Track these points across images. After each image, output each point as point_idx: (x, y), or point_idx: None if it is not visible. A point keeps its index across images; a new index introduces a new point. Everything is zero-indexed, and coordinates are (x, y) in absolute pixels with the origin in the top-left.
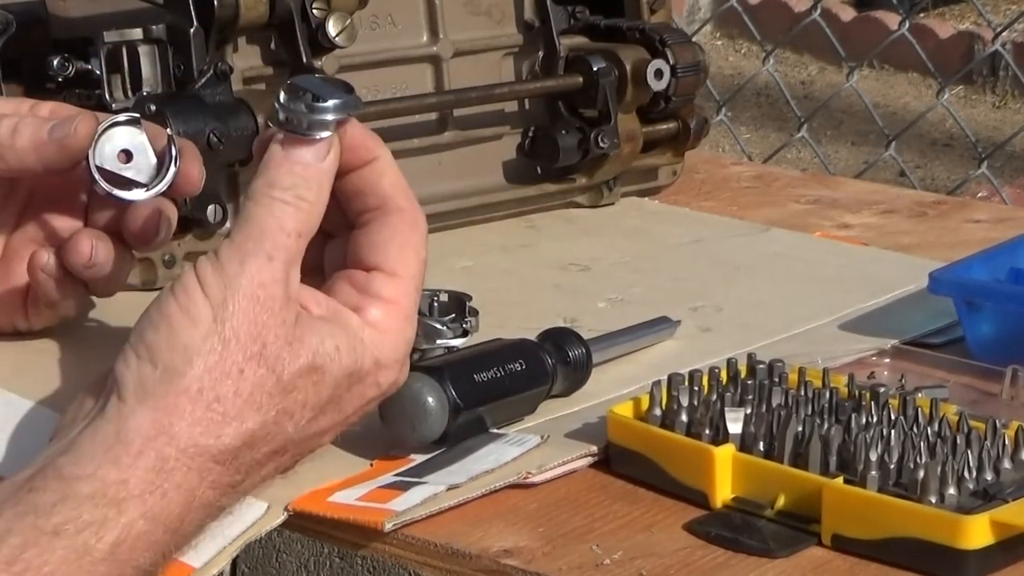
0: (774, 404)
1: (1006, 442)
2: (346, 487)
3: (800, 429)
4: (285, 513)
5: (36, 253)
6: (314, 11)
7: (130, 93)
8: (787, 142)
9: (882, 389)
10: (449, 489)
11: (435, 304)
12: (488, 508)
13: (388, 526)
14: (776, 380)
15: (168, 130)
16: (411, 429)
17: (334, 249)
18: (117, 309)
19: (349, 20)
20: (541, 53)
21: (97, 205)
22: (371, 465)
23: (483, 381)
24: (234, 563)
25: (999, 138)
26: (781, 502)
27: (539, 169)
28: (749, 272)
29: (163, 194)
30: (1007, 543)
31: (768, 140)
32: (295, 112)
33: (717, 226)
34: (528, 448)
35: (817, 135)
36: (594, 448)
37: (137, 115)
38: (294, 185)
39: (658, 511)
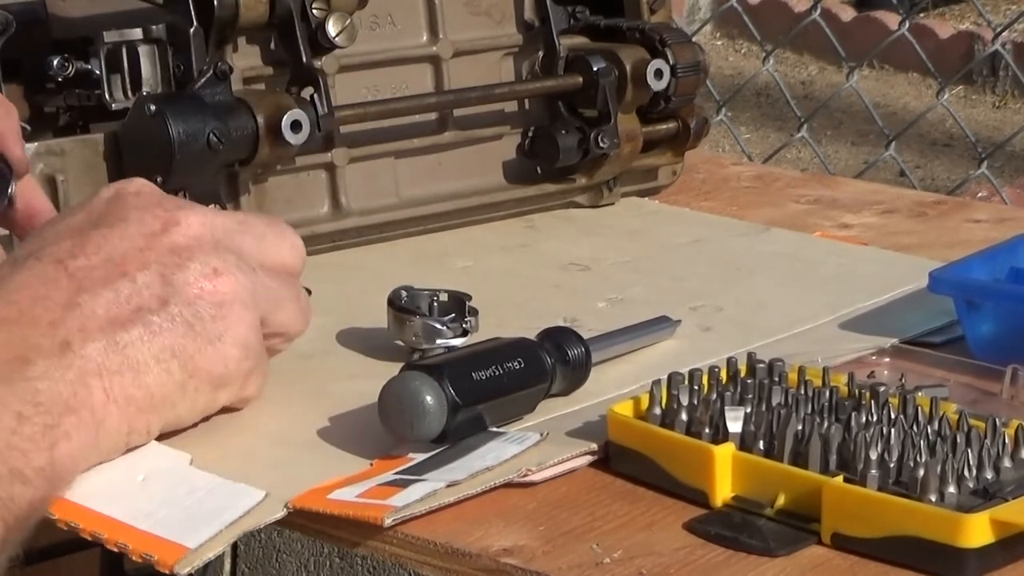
0: (774, 403)
1: (1006, 441)
2: (346, 485)
3: (800, 428)
4: (284, 510)
5: None
6: (314, 11)
7: (130, 93)
8: (787, 142)
9: (882, 388)
10: (449, 486)
11: (435, 304)
12: (488, 507)
13: (388, 521)
14: (776, 379)
15: None
16: (409, 428)
17: None
18: None
19: (349, 20)
20: (541, 53)
21: None
22: (371, 465)
23: (482, 379)
24: (234, 563)
25: (999, 138)
26: (781, 501)
27: (539, 169)
28: (749, 272)
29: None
30: (1007, 541)
31: (768, 140)
32: None
33: (717, 226)
34: (528, 446)
35: (817, 135)
36: (594, 446)
37: None
38: None
39: (658, 510)
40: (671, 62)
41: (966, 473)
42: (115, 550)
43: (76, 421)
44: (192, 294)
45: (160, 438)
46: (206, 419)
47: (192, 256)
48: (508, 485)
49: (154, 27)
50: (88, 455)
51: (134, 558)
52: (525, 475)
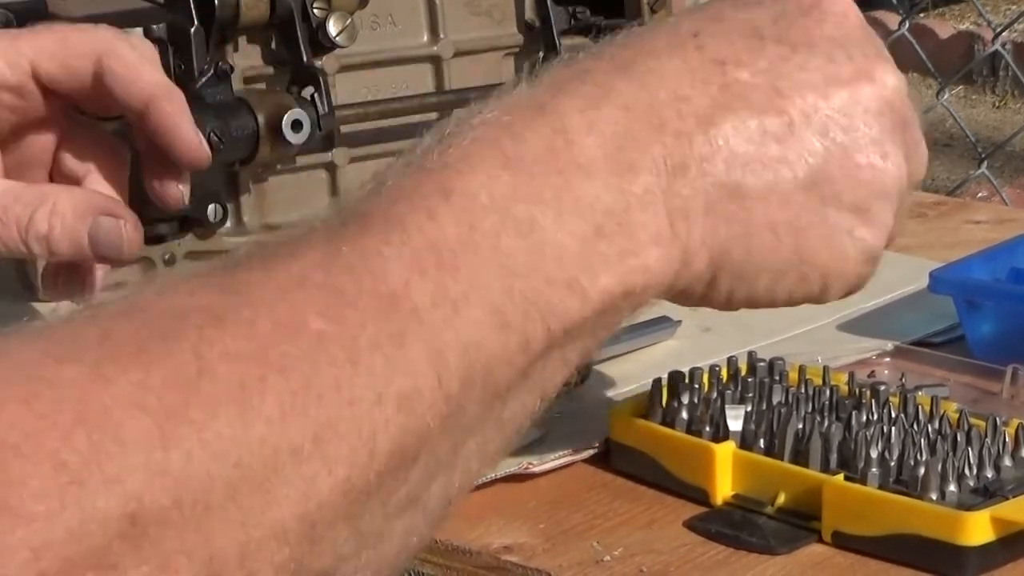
0: (774, 402)
1: (1006, 439)
2: None
3: (800, 426)
4: None
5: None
6: (315, 11)
7: None
8: None
9: (882, 387)
10: None
11: None
12: (488, 505)
13: None
14: (777, 378)
15: None
16: None
17: None
18: None
19: (350, 20)
20: (542, 53)
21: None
22: None
23: None
24: None
25: (999, 138)
26: (781, 499)
27: None
28: None
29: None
30: (1007, 540)
31: None
32: None
33: None
34: (528, 442)
35: None
36: (595, 442)
37: None
38: None
39: (659, 508)
40: None
41: (967, 472)
42: None
43: (662, 257)
44: (846, 173)
45: None
46: None
47: (867, 125)
48: (509, 479)
49: (155, 26)
50: (657, 295)
51: None
52: (526, 468)
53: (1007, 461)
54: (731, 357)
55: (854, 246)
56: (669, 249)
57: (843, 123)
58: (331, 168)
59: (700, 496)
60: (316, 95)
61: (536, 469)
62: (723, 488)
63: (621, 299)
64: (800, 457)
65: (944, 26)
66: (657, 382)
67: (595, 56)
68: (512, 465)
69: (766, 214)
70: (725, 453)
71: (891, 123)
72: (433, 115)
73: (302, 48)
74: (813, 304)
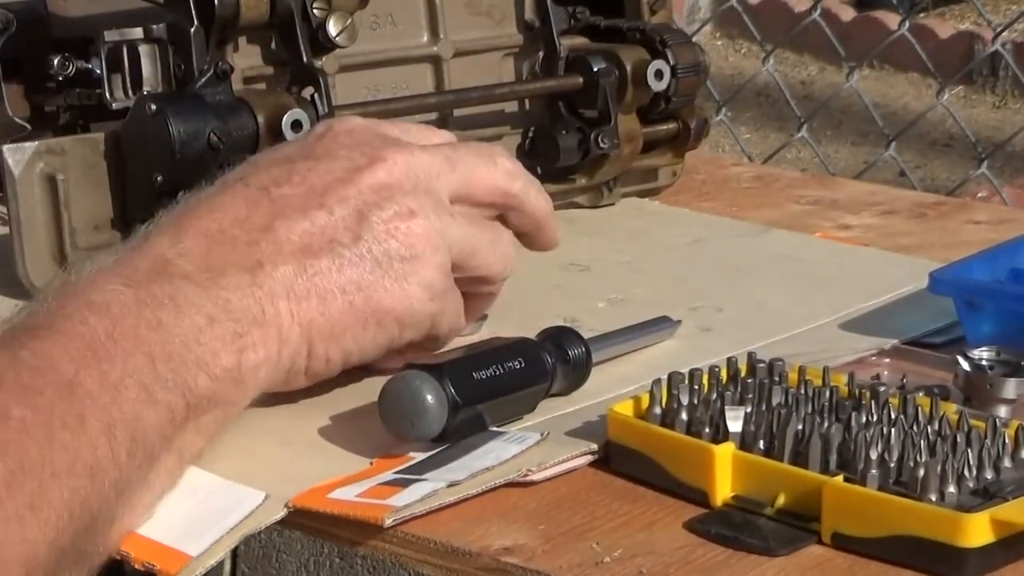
0: (774, 403)
1: (1006, 441)
2: (346, 484)
3: (800, 428)
4: (285, 509)
5: None
6: (315, 11)
7: (130, 92)
8: (787, 142)
9: (882, 388)
10: (449, 486)
11: None
12: (488, 506)
13: (388, 521)
14: (776, 379)
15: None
16: (410, 426)
17: None
18: None
19: (350, 20)
20: (541, 53)
21: None
22: (371, 464)
23: (482, 379)
24: (234, 563)
25: (999, 138)
26: (781, 500)
27: (539, 169)
28: (749, 272)
29: None
30: (1007, 541)
31: (768, 140)
32: None
33: (717, 226)
34: (528, 446)
35: (817, 135)
36: (594, 446)
37: None
38: None
39: (658, 509)
40: (671, 63)
41: (966, 473)
42: (116, 557)
43: (263, 335)
44: (385, 232)
45: (344, 375)
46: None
47: (391, 195)
48: (508, 484)
49: (155, 26)
50: (272, 373)
51: (136, 566)
52: (525, 475)
53: (1007, 463)
54: (731, 358)
55: (412, 288)
56: (266, 329)
57: (372, 198)
58: None
59: (700, 497)
60: (316, 95)
61: (535, 476)
62: (723, 489)
63: (241, 373)
64: (800, 458)
65: (944, 26)
66: (657, 383)
67: (167, 212)
68: (512, 472)
69: (334, 282)
70: (725, 454)
71: (411, 187)
72: (433, 115)
73: (302, 48)
74: (395, 344)
